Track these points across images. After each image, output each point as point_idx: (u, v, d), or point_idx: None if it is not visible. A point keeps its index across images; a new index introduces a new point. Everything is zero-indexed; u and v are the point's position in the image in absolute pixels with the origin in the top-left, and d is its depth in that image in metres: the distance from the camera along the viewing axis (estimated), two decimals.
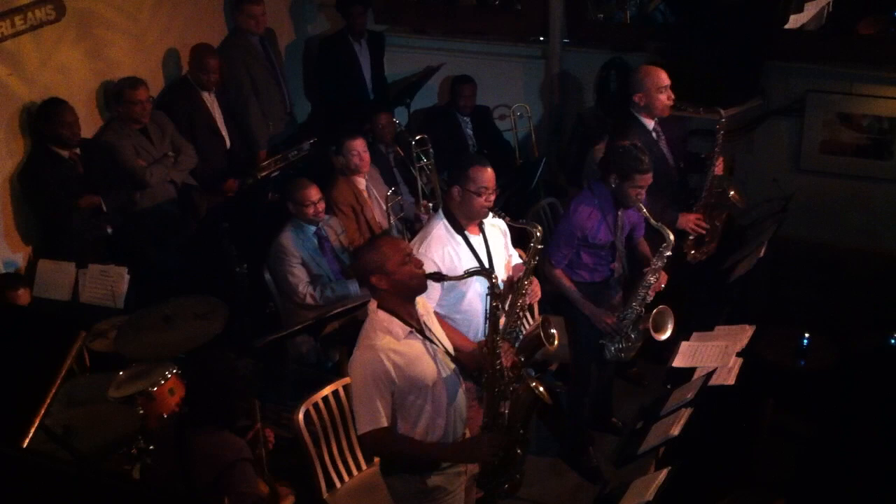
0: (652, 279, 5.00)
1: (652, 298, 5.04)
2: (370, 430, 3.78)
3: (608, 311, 5.07)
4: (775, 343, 5.50)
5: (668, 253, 4.95)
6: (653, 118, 5.50)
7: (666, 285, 5.09)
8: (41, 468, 2.77)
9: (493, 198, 4.56)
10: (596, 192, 5.01)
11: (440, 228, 4.57)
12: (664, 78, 5.41)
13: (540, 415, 5.71)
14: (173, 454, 3.87)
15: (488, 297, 4.04)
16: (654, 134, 5.52)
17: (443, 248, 4.50)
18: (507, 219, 4.69)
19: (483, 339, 4.16)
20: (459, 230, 4.57)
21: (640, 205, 4.88)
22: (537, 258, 4.61)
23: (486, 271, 4.10)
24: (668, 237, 4.90)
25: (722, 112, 5.52)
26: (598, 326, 5.06)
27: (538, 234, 4.54)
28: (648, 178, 4.86)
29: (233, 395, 3.95)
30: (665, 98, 5.41)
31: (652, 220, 4.92)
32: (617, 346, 5.09)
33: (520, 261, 4.86)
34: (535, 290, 4.72)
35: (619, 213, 5.01)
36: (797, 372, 5.44)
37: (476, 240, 4.61)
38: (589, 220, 4.97)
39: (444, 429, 3.94)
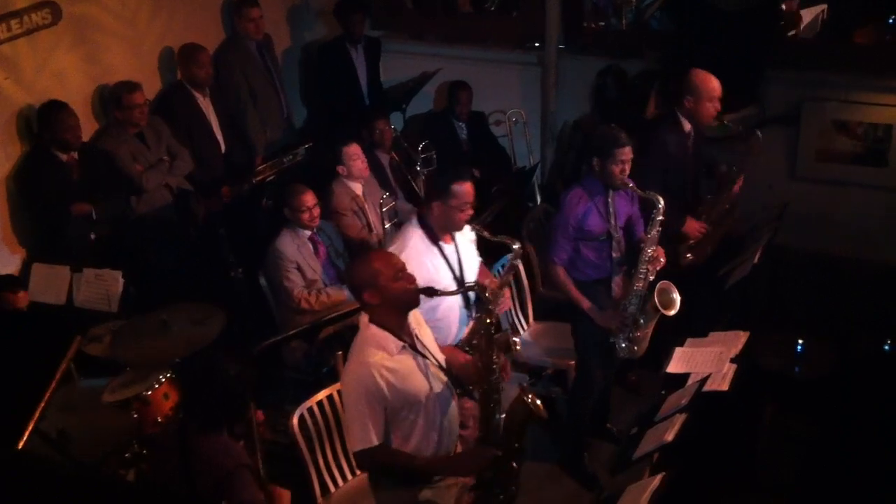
0: (650, 251, 4.97)
1: (654, 276, 5.02)
2: (363, 448, 3.77)
3: (609, 308, 5.06)
4: (773, 349, 5.51)
5: (661, 218, 4.95)
6: (692, 124, 5.53)
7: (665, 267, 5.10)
8: (36, 471, 2.77)
9: (471, 212, 4.60)
10: (584, 180, 5.07)
11: (416, 239, 4.58)
12: (718, 88, 5.41)
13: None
14: (174, 459, 3.85)
15: (471, 308, 4.02)
16: (688, 139, 5.55)
17: (419, 260, 4.49)
18: (486, 233, 4.70)
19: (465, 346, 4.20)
20: (435, 240, 4.60)
21: (627, 181, 4.92)
22: (512, 273, 4.68)
23: (479, 287, 4.12)
24: (659, 203, 4.92)
25: (759, 135, 5.52)
26: (600, 324, 5.05)
27: (516, 248, 4.53)
28: (628, 152, 4.88)
29: (235, 400, 3.93)
30: (713, 108, 5.43)
31: (639, 192, 4.97)
32: (627, 338, 5.04)
33: (480, 260, 4.89)
34: (505, 301, 4.76)
35: (610, 198, 5.03)
36: (795, 377, 5.45)
37: (449, 249, 4.66)
38: (578, 205, 4.99)
39: (438, 443, 3.94)
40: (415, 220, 4.66)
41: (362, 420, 3.74)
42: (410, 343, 3.86)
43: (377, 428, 3.75)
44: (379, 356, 3.75)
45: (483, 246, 4.94)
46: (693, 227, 5.56)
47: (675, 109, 5.55)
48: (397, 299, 3.79)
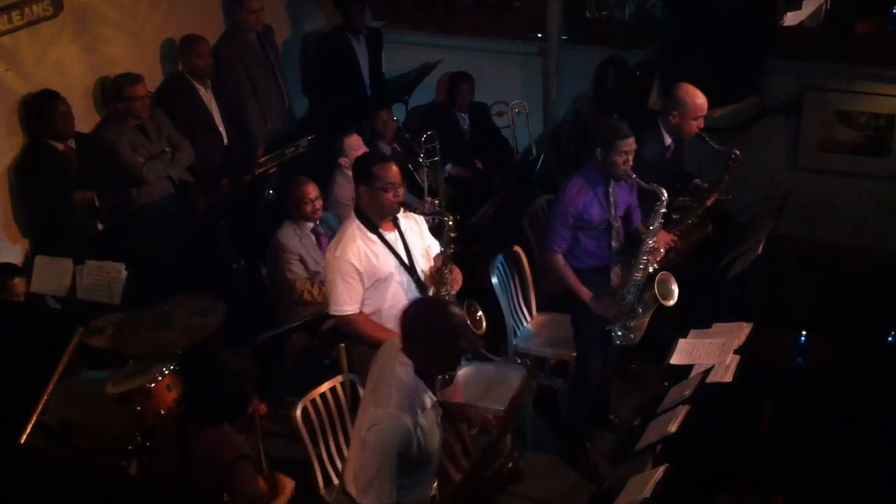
0: (651, 243, 5.00)
1: (654, 267, 5.03)
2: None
3: (607, 296, 5.06)
4: (774, 343, 5.50)
5: (663, 210, 4.99)
6: (672, 138, 5.53)
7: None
8: (38, 465, 2.77)
9: (401, 192, 4.56)
10: (584, 170, 5.06)
11: (354, 229, 4.55)
12: (704, 105, 5.41)
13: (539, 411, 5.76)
14: (174, 452, 3.85)
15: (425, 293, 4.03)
16: (668, 151, 5.55)
17: (358, 249, 4.48)
18: (419, 212, 4.80)
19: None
20: (373, 229, 4.56)
21: (629, 172, 4.93)
22: (453, 246, 4.66)
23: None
24: (662, 195, 4.94)
25: (738, 153, 5.54)
26: (597, 312, 5.05)
27: (451, 222, 4.61)
28: (631, 143, 4.89)
29: (237, 393, 3.92)
30: (696, 126, 5.43)
31: (643, 184, 4.97)
32: (623, 327, 5.04)
33: (438, 249, 4.84)
34: (456, 278, 4.70)
35: (610, 188, 5.04)
36: (796, 372, 5.44)
37: (391, 236, 4.62)
38: (579, 195, 4.99)
39: (426, 488, 3.96)
40: (353, 214, 4.63)
41: (388, 477, 3.65)
42: (437, 399, 3.82)
43: (396, 485, 3.68)
44: (417, 412, 3.69)
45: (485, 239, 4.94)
46: (663, 238, 5.48)
47: (658, 121, 5.53)
48: (453, 363, 3.73)
